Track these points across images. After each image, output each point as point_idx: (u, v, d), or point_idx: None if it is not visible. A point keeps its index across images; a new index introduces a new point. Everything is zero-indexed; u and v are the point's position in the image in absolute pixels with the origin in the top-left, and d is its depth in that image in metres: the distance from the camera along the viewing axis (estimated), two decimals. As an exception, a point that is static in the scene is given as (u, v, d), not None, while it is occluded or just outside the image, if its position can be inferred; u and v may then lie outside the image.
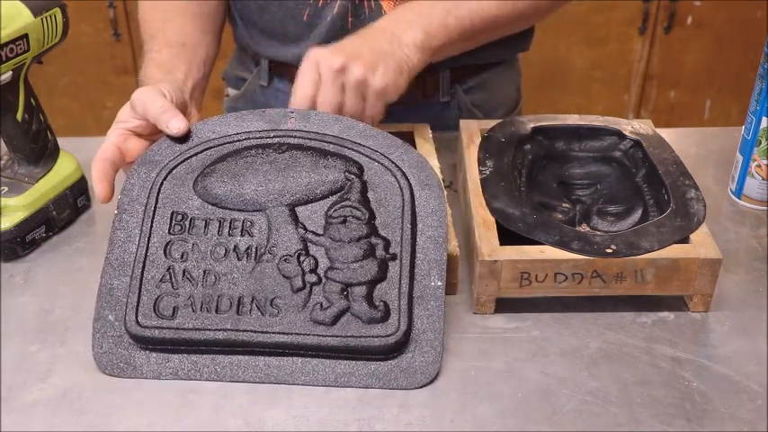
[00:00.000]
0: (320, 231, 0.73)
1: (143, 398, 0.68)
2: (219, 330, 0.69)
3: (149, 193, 0.75)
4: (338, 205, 0.74)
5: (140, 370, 0.69)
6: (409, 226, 0.73)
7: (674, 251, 0.74)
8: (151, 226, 0.73)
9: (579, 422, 0.65)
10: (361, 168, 0.77)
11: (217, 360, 0.69)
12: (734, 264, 0.82)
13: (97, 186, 0.75)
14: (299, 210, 0.75)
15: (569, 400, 0.67)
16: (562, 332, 0.74)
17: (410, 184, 0.76)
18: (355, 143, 0.78)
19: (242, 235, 0.73)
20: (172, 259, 0.72)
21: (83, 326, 0.74)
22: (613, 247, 0.74)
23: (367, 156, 0.77)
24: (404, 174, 0.77)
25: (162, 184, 0.76)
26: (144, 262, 0.71)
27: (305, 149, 0.78)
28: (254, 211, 0.75)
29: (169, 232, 0.73)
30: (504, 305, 0.76)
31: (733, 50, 2.22)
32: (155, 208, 0.74)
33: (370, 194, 0.75)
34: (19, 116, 0.83)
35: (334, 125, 0.79)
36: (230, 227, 0.74)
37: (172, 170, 0.76)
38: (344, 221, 0.73)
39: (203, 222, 0.74)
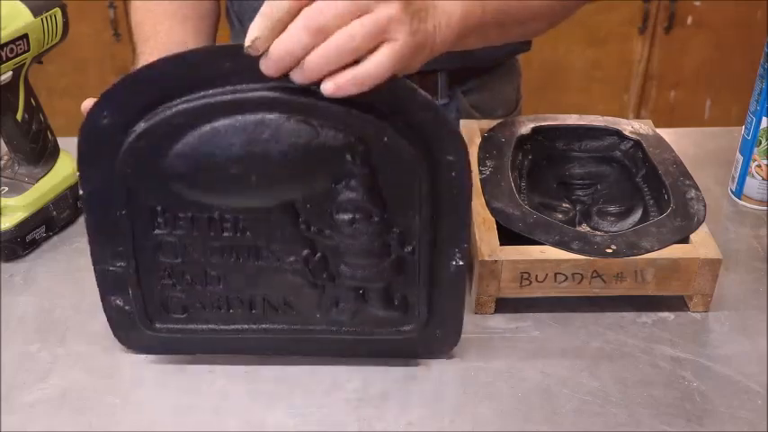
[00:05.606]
0: (325, 229, 0.65)
1: (143, 398, 0.68)
2: (234, 329, 0.69)
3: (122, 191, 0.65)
4: (343, 198, 0.63)
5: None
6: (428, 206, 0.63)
7: (674, 251, 0.73)
8: (132, 228, 0.65)
9: (579, 422, 0.65)
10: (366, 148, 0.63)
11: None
12: (734, 264, 0.82)
13: None
14: (298, 206, 0.64)
15: (569, 400, 0.67)
16: (562, 332, 0.74)
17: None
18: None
19: (237, 233, 0.65)
20: (167, 260, 0.66)
21: (83, 326, 0.74)
22: (613, 247, 0.74)
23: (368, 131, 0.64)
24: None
25: (133, 180, 0.64)
26: (137, 268, 0.66)
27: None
28: (248, 209, 0.65)
29: (154, 231, 0.65)
30: (504, 305, 0.75)
31: (733, 50, 2.22)
32: (131, 208, 0.65)
33: (379, 176, 0.63)
34: (19, 116, 0.83)
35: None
36: (221, 224, 0.65)
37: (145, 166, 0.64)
38: (353, 219, 0.63)
39: (190, 221, 0.65)
